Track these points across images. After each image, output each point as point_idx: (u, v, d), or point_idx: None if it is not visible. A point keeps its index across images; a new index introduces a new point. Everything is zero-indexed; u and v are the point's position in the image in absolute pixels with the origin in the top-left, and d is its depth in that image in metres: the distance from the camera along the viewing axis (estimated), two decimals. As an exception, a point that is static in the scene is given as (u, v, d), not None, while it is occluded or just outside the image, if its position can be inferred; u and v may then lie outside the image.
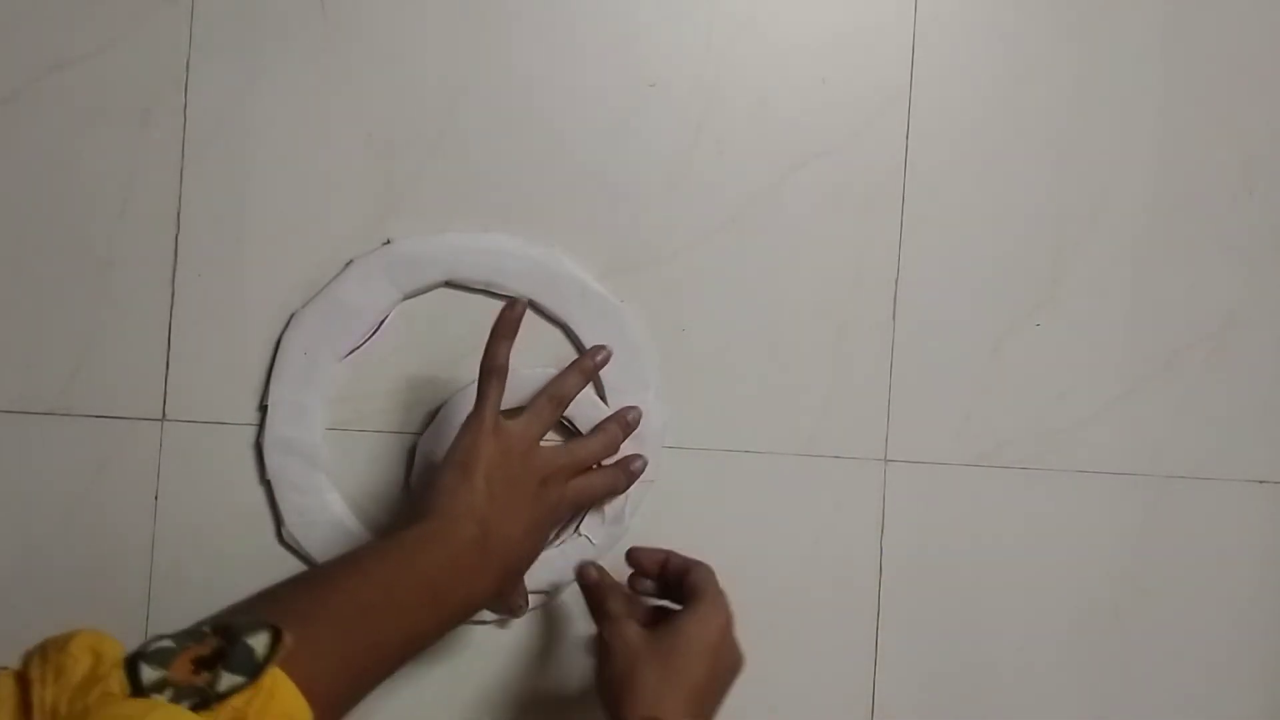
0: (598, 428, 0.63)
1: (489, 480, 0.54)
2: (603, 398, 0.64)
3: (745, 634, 0.65)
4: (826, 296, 0.67)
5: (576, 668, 0.66)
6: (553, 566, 0.63)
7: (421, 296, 0.64)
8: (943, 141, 0.68)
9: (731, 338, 0.67)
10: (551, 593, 0.64)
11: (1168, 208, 0.70)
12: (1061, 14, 0.69)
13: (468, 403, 0.61)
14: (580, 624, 0.66)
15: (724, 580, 0.66)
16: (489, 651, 0.65)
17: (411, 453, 0.64)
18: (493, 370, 0.57)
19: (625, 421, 0.63)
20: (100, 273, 0.63)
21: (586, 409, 0.64)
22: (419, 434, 0.64)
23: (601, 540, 0.64)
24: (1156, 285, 0.70)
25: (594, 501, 0.63)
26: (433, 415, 0.64)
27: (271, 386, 0.63)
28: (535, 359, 0.64)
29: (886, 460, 0.68)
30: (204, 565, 0.63)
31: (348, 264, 0.63)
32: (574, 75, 0.66)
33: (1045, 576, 0.69)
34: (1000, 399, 0.68)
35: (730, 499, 0.66)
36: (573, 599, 0.65)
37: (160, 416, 0.63)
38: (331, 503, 0.63)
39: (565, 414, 0.63)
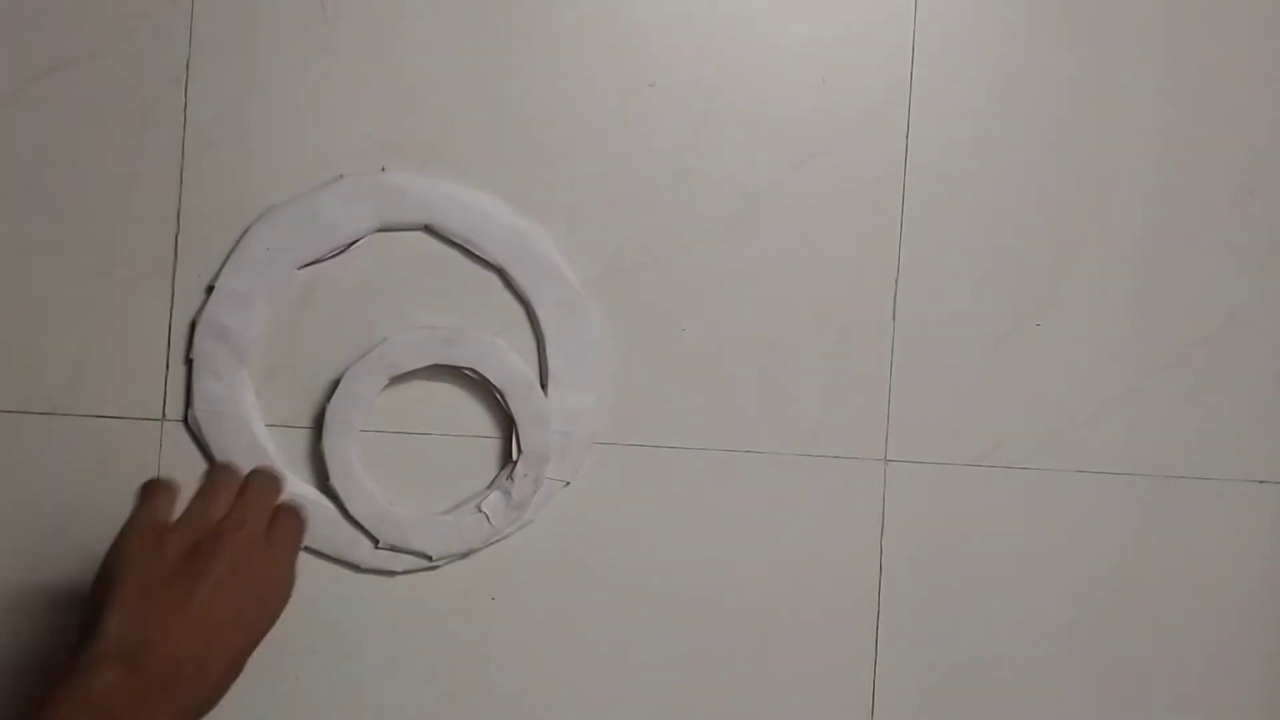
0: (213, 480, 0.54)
1: (145, 590, 0.47)
2: (544, 387, 0.64)
3: (745, 635, 0.65)
4: (826, 296, 0.67)
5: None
6: (440, 535, 0.63)
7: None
8: (943, 141, 0.68)
9: (731, 338, 0.67)
10: (435, 562, 0.64)
11: (1168, 208, 0.70)
12: (1061, 13, 0.69)
13: (367, 371, 0.62)
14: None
15: (724, 581, 0.66)
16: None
17: (318, 422, 0.63)
18: (148, 485, 0.52)
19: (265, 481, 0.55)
20: (100, 273, 0.63)
21: (523, 393, 0.63)
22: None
23: (499, 522, 0.63)
24: (1156, 285, 0.70)
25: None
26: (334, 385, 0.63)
27: (223, 273, 0.62)
28: (491, 329, 0.64)
29: (886, 460, 0.68)
30: (204, 565, 0.63)
31: (338, 178, 0.63)
32: (574, 75, 0.66)
33: (1045, 576, 0.69)
34: (1000, 399, 0.68)
35: (730, 499, 0.66)
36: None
37: (160, 416, 0.63)
38: (245, 401, 0.62)
39: (500, 390, 0.63)
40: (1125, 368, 0.69)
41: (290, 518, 0.55)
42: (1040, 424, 0.69)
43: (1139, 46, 0.70)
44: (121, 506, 0.62)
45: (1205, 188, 0.70)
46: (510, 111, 0.65)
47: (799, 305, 0.67)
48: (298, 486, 0.63)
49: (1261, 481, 0.70)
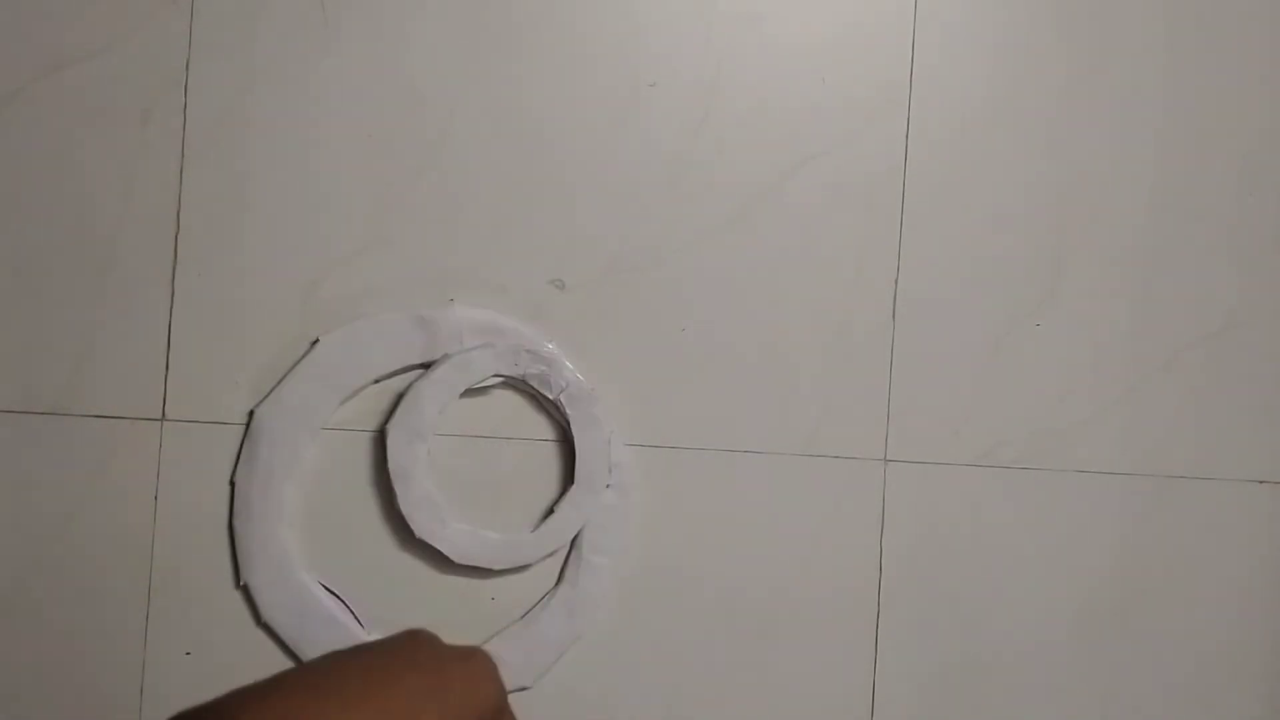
0: None
1: None
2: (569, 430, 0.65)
3: (745, 634, 0.65)
4: (826, 296, 0.67)
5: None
6: (555, 532, 0.64)
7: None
8: (943, 141, 0.68)
9: (731, 338, 0.67)
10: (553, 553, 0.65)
11: (1168, 208, 0.70)
12: (1061, 14, 0.69)
13: (433, 385, 0.62)
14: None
15: (724, 581, 0.66)
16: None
17: (379, 439, 0.64)
18: None
19: None
20: (100, 273, 0.63)
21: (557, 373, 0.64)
22: (385, 422, 0.64)
23: (590, 507, 0.65)
24: (1156, 285, 0.70)
25: None
26: (397, 400, 0.63)
27: (241, 568, 0.63)
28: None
29: (886, 460, 0.68)
30: (203, 565, 0.63)
31: (248, 415, 0.63)
32: (574, 75, 0.66)
33: (1045, 576, 0.69)
34: (1000, 399, 0.68)
35: (731, 499, 0.66)
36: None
37: (160, 416, 0.63)
38: (319, 596, 0.63)
39: (526, 374, 0.64)
40: (1125, 368, 0.69)
41: None
42: (1040, 424, 0.69)
43: (1138, 47, 0.70)
44: (121, 507, 0.63)
45: (1205, 188, 0.70)
46: (510, 111, 0.65)
47: (799, 305, 0.67)
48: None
49: (1261, 481, 0.70)
